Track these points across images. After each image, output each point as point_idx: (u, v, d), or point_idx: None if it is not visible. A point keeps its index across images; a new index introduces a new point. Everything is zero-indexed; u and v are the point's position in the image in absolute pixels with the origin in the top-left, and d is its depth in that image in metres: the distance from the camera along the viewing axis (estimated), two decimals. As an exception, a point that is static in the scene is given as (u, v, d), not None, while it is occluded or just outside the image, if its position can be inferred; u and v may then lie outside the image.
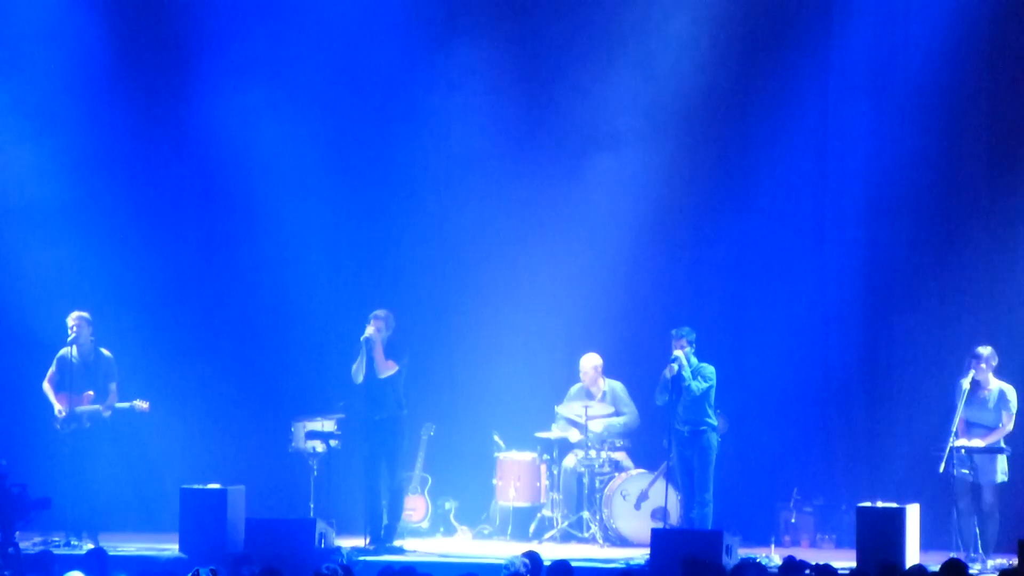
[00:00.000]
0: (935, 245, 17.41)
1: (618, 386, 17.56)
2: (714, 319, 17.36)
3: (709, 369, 16.09)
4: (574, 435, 17.39)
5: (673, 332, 16.12)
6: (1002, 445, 15.52)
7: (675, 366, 15.91)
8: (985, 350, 15.57)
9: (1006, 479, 15.50)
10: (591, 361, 17.42)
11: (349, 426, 16.87)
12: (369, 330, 16.17)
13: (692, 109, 17.85)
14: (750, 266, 17.82)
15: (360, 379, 16.21)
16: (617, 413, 17.46)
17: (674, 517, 16.31)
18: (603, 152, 18.01)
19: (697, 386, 15.96)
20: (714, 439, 16.06)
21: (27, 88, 18.09)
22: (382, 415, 16.20)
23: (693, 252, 17.95)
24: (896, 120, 17.41)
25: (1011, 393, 15.57)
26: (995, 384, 15.61)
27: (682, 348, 16.01)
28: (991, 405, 15.56)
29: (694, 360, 16.07)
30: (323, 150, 18.16)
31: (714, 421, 16.06)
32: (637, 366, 17.44)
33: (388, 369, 16.19)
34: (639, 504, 16.85)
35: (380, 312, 16.32)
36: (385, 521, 16.27)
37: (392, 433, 16.24)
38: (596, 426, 17.29)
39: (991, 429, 15.51)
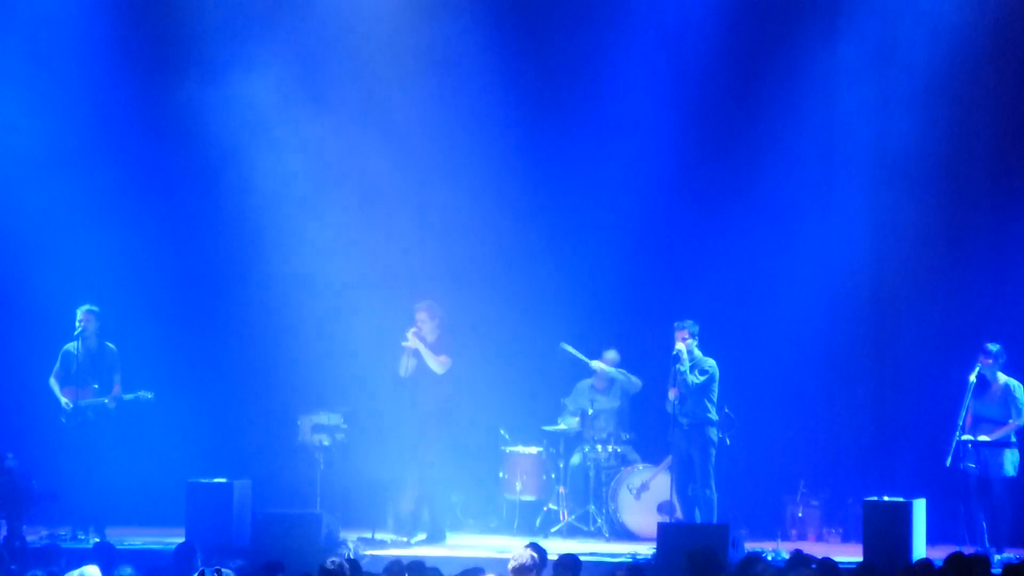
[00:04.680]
0: (941, 239, 17.39)
1: (617, 372, 17.56)
2: (720, 312, 17.34)
3: (709, 363, 16.09)
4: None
5: (676, 324, 16.13)
6: (1012, 440, 15.54)
7: (681, 367, 15.94)
8: (994, 347, 15.61)
9: (1015, 473, 15.51)
10: (615, 356, 17.48)
11: (355, 419, 16.89)
12: (409, 336, 16.14)
13: (699, 98, 17.83)
14: (756, 260, 17.80)
15: (405, 374, 16.27)
16: (624, 393, 17.48)
17: (678, 511, 16.30)
18: (607, 141, 17.97)
19: (693, 380, 15.95)
20: (713, 433, 16.06)
21: (30, 71, 18.13)
22: (431, 407, 16.19)
23: (699, 244, 17.93)
24: (902, 110, 17.39)
25: (1018, 389, 15.62)
26: (1002, 379, 15.64)
27: (684, 340, 16.02)
28: (998, 400, 15.60)
29: (697, 353, 16.08)
30: (329, 141, 18.11)
31: (714, 416, 16.06)
32: (644, 358, 17.42)
33: (443, 365, 16.20)
34: (639, 495, 16.85)
35: (422, 304, 16.32)
36: (426, 516, 16.40)
37: (441, 425, 16.25)
38: (603, 410, 17.30)
39: (999, 424, 15.55)
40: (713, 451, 16.05)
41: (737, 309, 17.70)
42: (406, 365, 16.29)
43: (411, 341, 16.23)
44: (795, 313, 17.58)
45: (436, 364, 16.26)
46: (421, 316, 16.30)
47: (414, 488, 16.64)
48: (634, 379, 17.48)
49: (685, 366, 15.98)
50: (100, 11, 18.31)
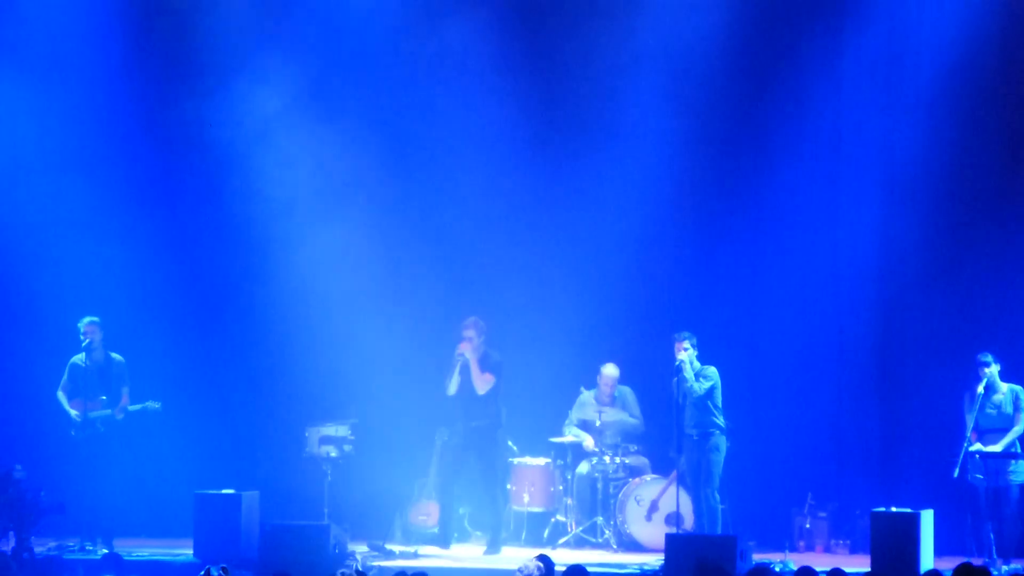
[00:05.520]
0: (949, 250, 17.36)
1: (627, 391, 17.54)
2: (726, 323, 17.34)
3: (710, 370, 16.13)
4: (589, 442, 17.34)
5: (675, 336, 16.16)
6: (1018, 449, 15.53)
7: (685, 375, 15.96)
8: (987, 356, 15.65)
9: (1024, 480, 15.56)
10: (614, 371, 17.41)
11: (363, 431, 16.90)
12: (463, 347, 16.22)
13: (703, 108, 17.81)
14: (762, 269, 17.78)
15: (453, 391, 16.29)
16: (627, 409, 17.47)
17: (688, 522, 16.30)
18: (610, 152, 17.96)
19: (699, 386, 15.99)
20: (722, 441, 16.08)
21: (37, 82, 18.17)
22: (480, 422, 16.28)
23: (704, 254, 17.91)
24: (909, 117, 17.38)
25: (1023, 392, 15.66)
26: (1005, 387, 15.67)
27: (685, 351, 16.06)
28: (1008, 408, 15.62)
29: (696, 364, 16.14)
30: (335, 151, 18.11)
31: (721, 422, 16.10)
32: (648, 369, 17.39)
33: (486, 383, 16.24)
34: (650, 515, 16.83)
35: (469, 321, 16.36)
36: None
37: (491, 441, 16.38)
38: (610, 422, 17.27)
39: (1008, 430, 15.53)
40: (719, 458, 16.04)
41: (743, 320, 17.68)
42: (455, 382, 16.34)
43: (467, 354, 16.24)
44: (802, 323, 17.57)
45: (480, 382, 16.31)
46: (469, 333, 16.36)
47: (454, 500, 16.67)
48: (632, 420, 17.44)
49: (689, 376, 16.00)
50: (107, 22, 18.34)
